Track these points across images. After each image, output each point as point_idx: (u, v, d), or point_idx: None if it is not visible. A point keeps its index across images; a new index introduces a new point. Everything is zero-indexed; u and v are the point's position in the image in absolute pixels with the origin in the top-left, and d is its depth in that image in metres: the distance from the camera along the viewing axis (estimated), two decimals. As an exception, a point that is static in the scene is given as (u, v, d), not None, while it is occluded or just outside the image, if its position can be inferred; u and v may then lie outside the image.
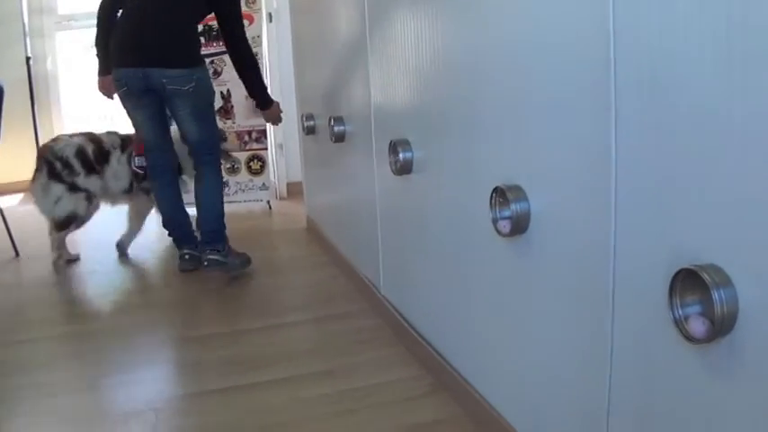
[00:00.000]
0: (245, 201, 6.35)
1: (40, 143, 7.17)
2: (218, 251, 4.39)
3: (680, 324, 1.54)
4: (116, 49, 4.36)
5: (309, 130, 4.90)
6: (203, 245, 4.43)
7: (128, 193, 5.15)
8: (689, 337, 1.52)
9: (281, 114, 4.96)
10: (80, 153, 5.01)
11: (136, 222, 5.31)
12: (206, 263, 4.36)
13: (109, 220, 5.35)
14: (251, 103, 5.86)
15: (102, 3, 4.49)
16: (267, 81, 5.85)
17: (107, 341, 3.70)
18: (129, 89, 4.36)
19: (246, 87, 4.71)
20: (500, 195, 2.22)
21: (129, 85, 4.34)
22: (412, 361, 3.24)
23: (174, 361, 3.48)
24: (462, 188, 2.63)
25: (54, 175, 4.97)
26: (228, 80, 6.02)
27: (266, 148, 6.42)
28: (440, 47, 2.68)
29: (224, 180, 4.76)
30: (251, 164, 6.31)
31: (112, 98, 4.63)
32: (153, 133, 4.61)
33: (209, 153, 4.51)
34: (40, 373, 3.34)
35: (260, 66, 5.15)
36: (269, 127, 6.24)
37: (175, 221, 4.75)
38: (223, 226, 4.49)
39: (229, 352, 3.50)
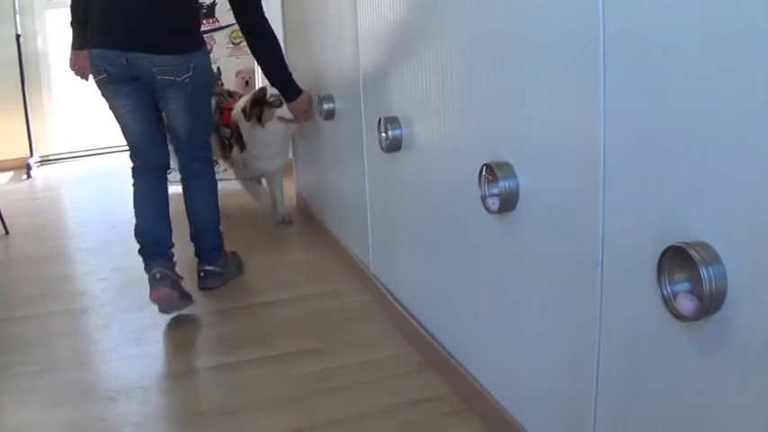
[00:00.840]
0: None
1: (30, 122, 7.16)
2: (217, 264, 3.95)
3: (668, 302, 1.53)
4: (94, 24, 3.53)
5: (300, 108, 4.86)
6: (201, 260, 3.94)
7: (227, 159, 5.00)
8: (677, 315, 1.51)
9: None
10: None
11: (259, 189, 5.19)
12: (202, 274, 3.91)
13: (97, 198, 5.34)
14: (241, 79, 5.84)
15: None
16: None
17: (95, 319, 3.69)
18: (108, 76, 3.52)
19: (269, 76, 4.20)
20: (489, 172, 2.20)
21: (108, 71, 3.50)
22: (401, 339, 3.23)
23: (163, 339, 3.47)
24: (451, 165, 2.62)
25: None
26: (219, 57, 5.98)
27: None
28: (429, 24, 2.66)
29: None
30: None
31: (87, 79, 3.78)
32: (139, 127, 3.68)
33: (201, 157, 3.84)
34: (28, 351, 3.33)
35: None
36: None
37: (151, 235, 3.69)
38: (221, 237, 3.98)
39: (217, 330, 3.50)
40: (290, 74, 4.17)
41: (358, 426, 2.66)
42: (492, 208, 2.21)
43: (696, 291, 1.46)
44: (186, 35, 3.57)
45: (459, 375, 2.73)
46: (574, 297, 1.97)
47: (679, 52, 1.48)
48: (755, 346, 1.38)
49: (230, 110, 4.78)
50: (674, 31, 1.49)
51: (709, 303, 1.43)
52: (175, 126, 3.71)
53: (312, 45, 4.48)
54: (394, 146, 3.06)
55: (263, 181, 5.17)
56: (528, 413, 2.33)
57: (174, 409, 2.86)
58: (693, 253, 1.44)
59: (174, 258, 3.72)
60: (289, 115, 4.49)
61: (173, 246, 3.73)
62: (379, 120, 3.11)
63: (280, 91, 4.28)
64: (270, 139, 4.70)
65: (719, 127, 1.40)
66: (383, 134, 3.08)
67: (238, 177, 5.06)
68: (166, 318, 3.58)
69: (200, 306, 3.73)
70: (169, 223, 3.75)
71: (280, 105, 4.53)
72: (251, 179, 5.04)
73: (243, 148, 4.78)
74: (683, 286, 1.50)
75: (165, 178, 3.81)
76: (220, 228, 3.97)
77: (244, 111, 4.66)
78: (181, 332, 3.49)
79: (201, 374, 3.10)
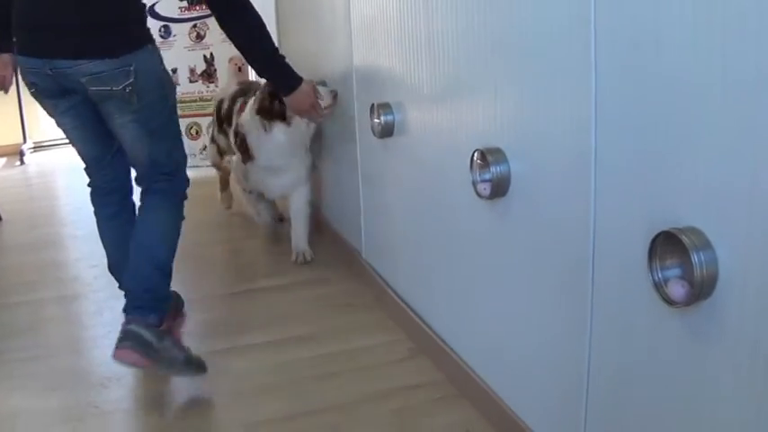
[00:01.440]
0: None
1: (24, 108, 7.14)
2: (149, 325, 2.75)
3: (660, 287, 1.53)
4: (15, 25, 2.79)
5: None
6: (128, 309, 2.82)
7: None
8: (669, 301, 1.51)
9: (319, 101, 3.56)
10: (219, 106, 4.49)
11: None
12: (121, 335, 2.72)
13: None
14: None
15: None
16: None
17: (87, 305, 3.69)
18: (37, 91, 2.85)
19: (259, 65, 3.31)
20: (480, 158, 2.20)
21: (35, 84, 2.81)
22: (393, 325, 3.23)
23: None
24: (443, 150, 2.61)
25: None
26: (212, 43, 5.96)
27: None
28: (422, 10, 2.65)
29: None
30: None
31: (7, 90, 3.23)
32: (89, 146, 3.05)
33: (168, 179, 3.01)
34: (20, 338, 3.33)
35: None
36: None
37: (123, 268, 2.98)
38: (166, 289, 2.97)
39: (209, 316, 3.50)
40: (283, 57, 3.29)
41: (350, 412, 2.66)
42: (483, 193, 2.21)
43: (687, 276, 1.46)
44: (122, 30, 2.74)
45: (450, 361, 2.73)
46: (565, 282, 1.97)
47: (670, 40, 1.48)
48: (746, 331, 1.38)
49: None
50: (664, 19, 1.48)
51: (701, 289, 1.43)
52: (130, 149, 2.96)
53: (305, 30, 4.47)
54: (386, 131, 3.05)
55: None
56: (519, 398, 2.33)
57: (166, 395, 2.87)
58: (684, 238, 1.43)
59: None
60: (323, 103, 3.64)
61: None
62: (372, 105, 3.10)
63: (274, 83, 3.51)
64: (293, 139, 3.94)
65: (711, 113, 1.39)
66: (376, 120, 3.08)
67: (239, 185, 4.32)
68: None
69: (190, 292, 3.71)
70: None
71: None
72: (250, 192, 4.26)
73: (248, 158, 4.02)
74: (675, 272, 1.50)
75: (130, 204, 3.20)
76: (169, 282, 3.00)
77: (260, 110, 3.85)
78: (173, 318, 3.49)
79: (193, 361, 3.10)
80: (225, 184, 5.02)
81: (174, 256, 2.96)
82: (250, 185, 4.19)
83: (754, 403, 1.39)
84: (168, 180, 3.00)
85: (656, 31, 1.51)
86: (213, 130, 4.67)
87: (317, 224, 4.44)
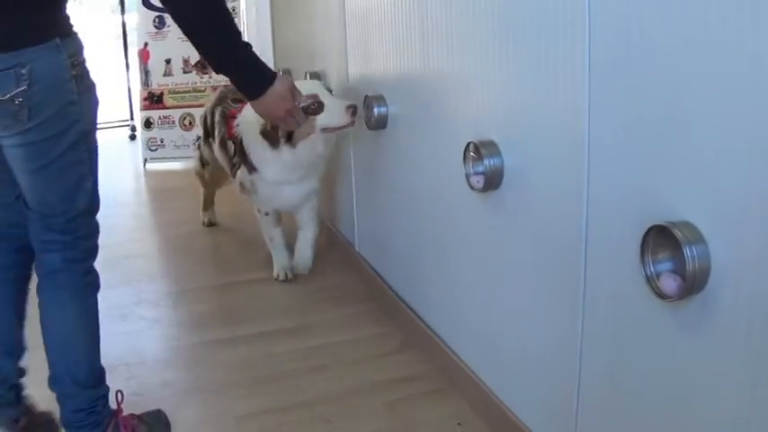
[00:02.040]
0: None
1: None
2: None
3: (652, 281, 1.53)
4: None
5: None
6: (66, 429, 2.31)
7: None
8: (661, 295, 1.51)
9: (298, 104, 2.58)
10: (204, 117, 4.04)
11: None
12: None
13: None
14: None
15: None
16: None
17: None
18: None
19: (218, 65, 2.36)
20: (473, 151, 2.20)
21: None
22: (384, 318, 3.24)
23: (146, 317, 3.45)
24: (437, 143, 2.61)
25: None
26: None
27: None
28: (416, 2, 2.64)
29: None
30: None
31: None
32: None
33: (64, 243, 2.20)
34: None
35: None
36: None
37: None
38: (103, 396, 2.36)
39: (201, 308, 3.49)
40: (250, 47, 2.32)
41: (342, 404, 2.66)
42: (477, 186, 2.21)
43: (679, 270, 1.46)
44: (16, 14, 1.89)
45: (442, 354, 2.73)
46: (558, 276, 1.97)
47: (663, 33, 1.48)
48: (739, 325, 1.38)
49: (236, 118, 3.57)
50: (658, 11, 1.48)
51: (693, 283, 1.43)
52: (23, 186, 2.12)
53: (299, 22, 4.46)
54: (380, 124, 3.05)
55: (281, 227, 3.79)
56: (511, 391, 2.34)
57: (159, 385, 2.85)
58: (677, 232, 1.44)
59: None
60: (336, 122, 3.18)
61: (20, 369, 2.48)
62: (366, 97, 3.10)
63: (236, 83, 2.44)
64: (301, 162, 3.38)
65: (705, 107, 1.39)
66: (369, 112, 3.07)
67: (255, 206, 3.75)
68: (151, 294, 3.58)
69: (183, 284, 3.72)
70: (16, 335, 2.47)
71: (319, 110, 2.98)
72: (267, 214, 3.70)
73: (252, 168, 3.49)
74: (667, 266, 1.50)
75: (27, 256, 2.29)
76: (104, 379, 2.40)
77: (264, 133, 3.29)
78: (165, 309, 3.48)
79: (185, 352, 3.09)
80: (208, 203, 4.60)
81: (99, 353, 2.36)
82: (265, 205, 3.67)
83: (746, 396, 1.39)
84: (63, 247, 2.20)
85: (649, 23, 1.51)
86: (200, 140, 4.32)
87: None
